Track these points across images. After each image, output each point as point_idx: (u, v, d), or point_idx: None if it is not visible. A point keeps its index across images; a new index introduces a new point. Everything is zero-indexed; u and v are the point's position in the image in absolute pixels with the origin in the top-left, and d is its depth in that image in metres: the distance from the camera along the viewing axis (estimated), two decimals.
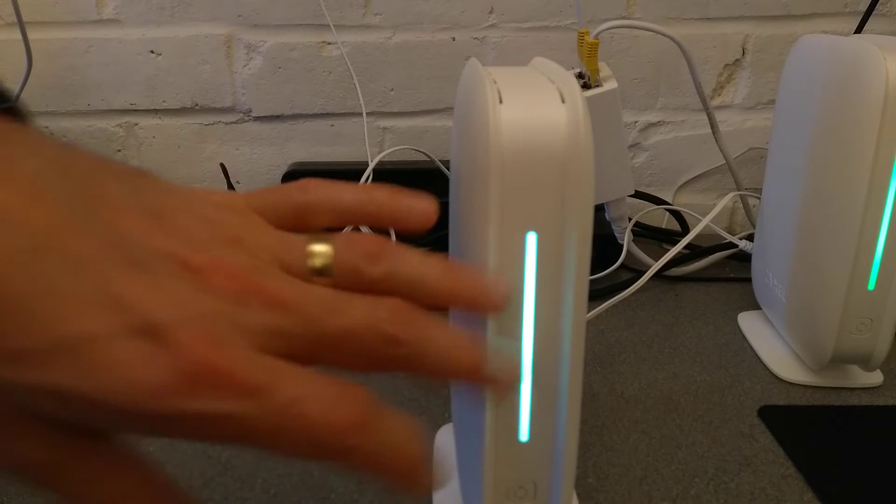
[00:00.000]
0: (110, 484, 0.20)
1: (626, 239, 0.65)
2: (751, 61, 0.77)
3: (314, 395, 0.20)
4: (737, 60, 0.77)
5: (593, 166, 0.26)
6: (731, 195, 0.60)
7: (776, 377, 0.52)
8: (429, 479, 0.21)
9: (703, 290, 0.66)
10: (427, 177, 0.72)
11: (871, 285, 0.45)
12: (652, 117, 0.80)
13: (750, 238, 0.64)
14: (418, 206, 0.25)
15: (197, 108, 0.79)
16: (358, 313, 0.22)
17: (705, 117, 0.68)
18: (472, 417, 0.30)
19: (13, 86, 0.67)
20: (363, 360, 0.22)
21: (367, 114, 0.78)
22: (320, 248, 0.23)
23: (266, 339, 0.20)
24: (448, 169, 0.70)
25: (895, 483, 0.41)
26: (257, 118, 0.79)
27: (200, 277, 0.20)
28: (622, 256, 0.65)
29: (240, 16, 0.75)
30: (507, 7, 0.75)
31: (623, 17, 0.75)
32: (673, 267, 0.68)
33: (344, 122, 0.79)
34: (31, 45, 0.59)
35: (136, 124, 0.79)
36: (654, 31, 0.60)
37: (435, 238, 0.73)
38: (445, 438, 0.43)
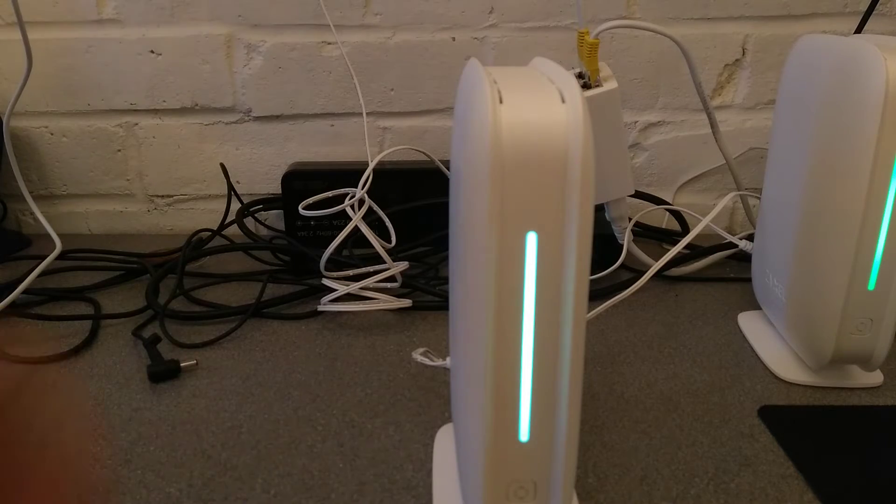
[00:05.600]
0: None
1: (626, 239, 0.65)
2: (751, 61, 0.77)
3: None
4: (737, 60, 0.77)
5: (593, 166, 0.26)
6: (731, 195, 0.60)
7: (776, 377, 0.52)
8: None
9: (703, 290, 0.66)
10: (427, 177, 0.73)
11: (871, 285, 0.45)
12: (652, 117, 0.80)
13: (750, 238, 0.64)
14: None
15: (197, 107, 0.79)
16: None
17: (705, 117, 0.68)
18: (472, 417, 0.30)
19: (13, 86, 0.67)
20: None
21: (367, 114, 0.78)
22: None
23: None
24: (448, 169, 0.70)
25: (895, 483, 0.41)
26: (257, 118, 0.79)
27: None
28: (622, 256, 0.64)
29: (240, 16, 0.75)
30: (507, 7, 0.75)
31: (623, 17, 0.75)
32: (673, 267, 0.68)
33: (344, 122, 0.79)
34: (31, 45, 0.59)
35: (136, 124, 0.79)
36: (654, 31, 0.60)
37: (435, 238, 0.73)
38: (445, 438, 0.43)
